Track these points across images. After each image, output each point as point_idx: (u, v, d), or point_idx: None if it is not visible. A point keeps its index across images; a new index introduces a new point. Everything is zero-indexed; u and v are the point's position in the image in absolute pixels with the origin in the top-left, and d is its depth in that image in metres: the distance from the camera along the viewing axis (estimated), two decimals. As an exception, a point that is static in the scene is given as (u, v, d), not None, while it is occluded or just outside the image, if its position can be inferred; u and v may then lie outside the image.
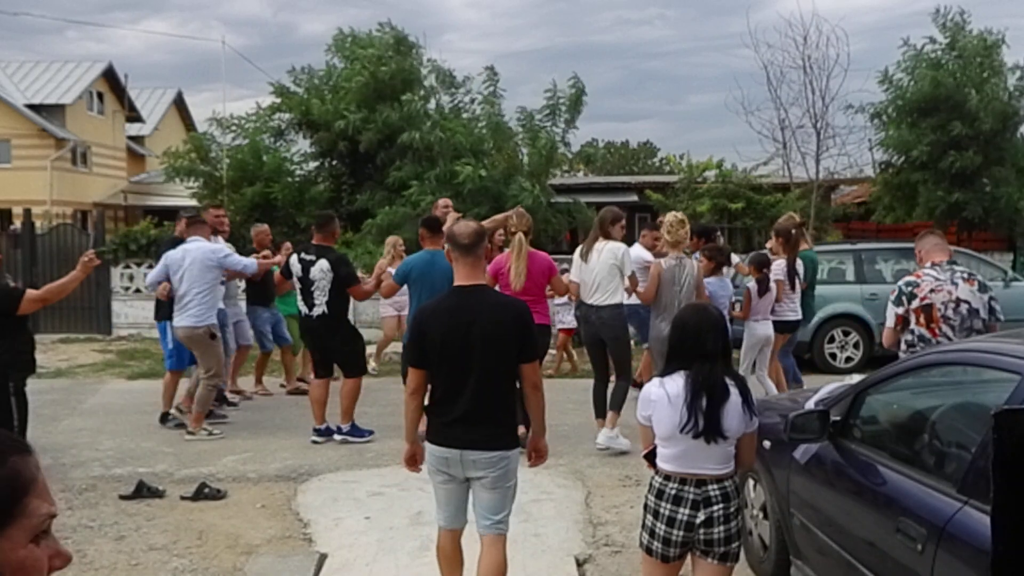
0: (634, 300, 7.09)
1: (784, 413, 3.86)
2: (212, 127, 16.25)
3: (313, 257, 6.86)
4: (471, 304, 3.57)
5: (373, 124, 14.41)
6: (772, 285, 7.71)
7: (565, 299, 9.09)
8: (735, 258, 9.13)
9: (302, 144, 16.27)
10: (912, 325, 5.04)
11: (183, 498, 5.68)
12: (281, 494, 5.83)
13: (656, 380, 3.27)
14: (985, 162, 14.71)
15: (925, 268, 5.18)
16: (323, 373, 7.12)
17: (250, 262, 7.53)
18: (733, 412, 3.15)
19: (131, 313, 14.23)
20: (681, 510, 3.14)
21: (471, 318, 3.52)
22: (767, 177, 16.85)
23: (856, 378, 4.63)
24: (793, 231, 8.03)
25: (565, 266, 8.16)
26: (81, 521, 5.27)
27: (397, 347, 11.39)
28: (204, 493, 5.71)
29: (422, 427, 3.73)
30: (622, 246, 6.77)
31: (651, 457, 3.29)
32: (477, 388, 3.53)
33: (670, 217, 7.03)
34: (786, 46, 14.95)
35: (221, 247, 7.39)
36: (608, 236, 6.73)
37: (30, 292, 5.75)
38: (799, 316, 8.07)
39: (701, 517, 3.12)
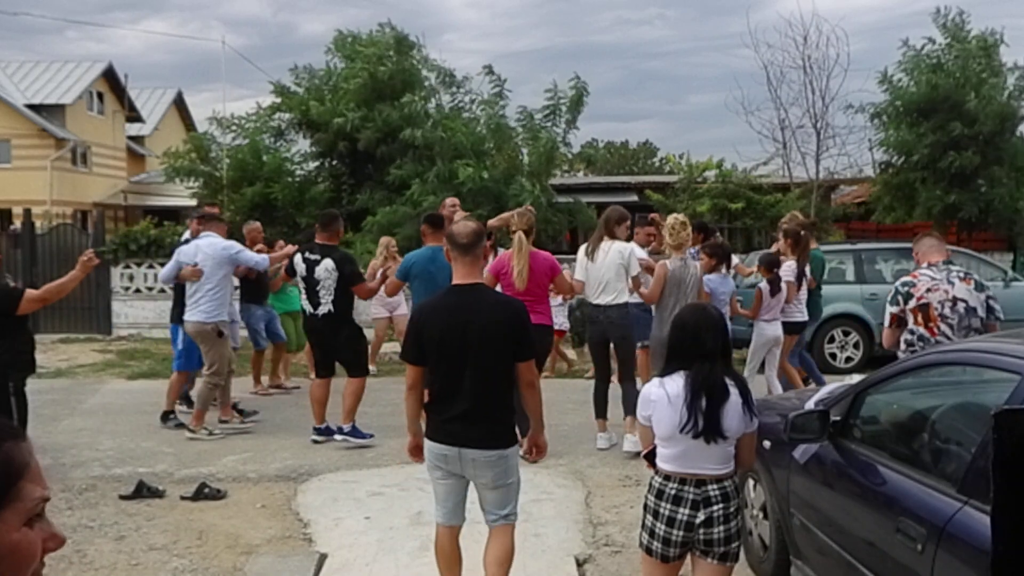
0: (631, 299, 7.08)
1: (784, 413, 3.86)
2: (212, 127, 16.26)
3: (318, 256, 6.82)
4: (468, 303, 3.60)
5: (372, 123, 14.40)
6: (783, 285, 7.68)
7: (559, 300, 9.07)
8: (734, 259, 9.10)
9: (302, 144, 16.29)
10: (911, 325, 5.07)
11: (183, 498, 5.68)
12: (281, 494, 5.83)
13: (656, 380, 3.27)
14: (984, 162, 14.71)
15: (921, 269, 5.24)
16: (324, 373, 7.09)
17: (262, 258, 7.52)
18: (733, 412, 3.15)
19: (131, 313, 14.23)
20: (681, 510, 3.14)
21: (468, 316, 3.56)
22: (767, 177, 16.85)
23: (856, 378, 4.64)
24: (802, 233, 8.00)
25: (565, 266, 8.14)
26: (81, 521, 5.27)
27: (395, 347, 11.41)
28: (204, 493, 5.71)
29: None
30: (628, 246, 6.75)
31: (651, 457, 3.29)
32: (474, 386, 3.56)
33: (671, 220, 7.03)
34: (786, 46, 15.00)
35: (233, 243, 7.37)
36: (613, 236, 6.70)
37: (29, 292, 5.75)
38: (806, 317, 8.06)
39: (701, 517, 3.12)
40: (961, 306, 4.99)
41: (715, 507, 3.13)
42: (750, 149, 32.10)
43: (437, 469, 3.70)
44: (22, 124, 26.94)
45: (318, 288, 6.80)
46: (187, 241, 7.77)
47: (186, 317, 7.23)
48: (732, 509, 3.17)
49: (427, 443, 3.70)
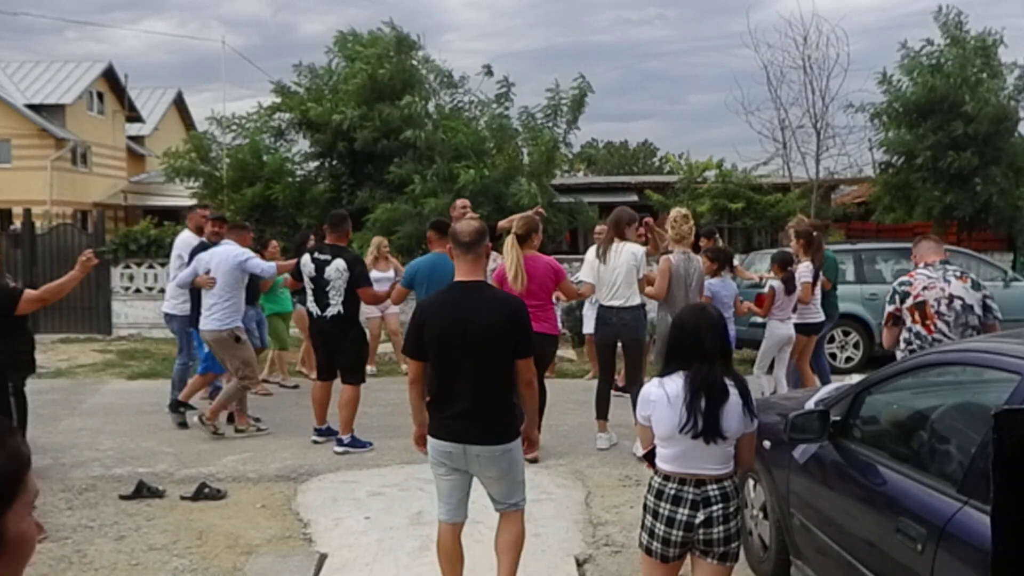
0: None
1: (784, 413, 3.86)
2: (212, 127, 16.25)
3: (328, 256, 6.72)
4: (469, 300, 3.65)
5: (370, 122, 14.39)
6: (799, 285, 7.63)
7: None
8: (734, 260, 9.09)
9: (302, 144, 16.27)
10: (908, 323, 5.12)
11: (183, 498, 5.68)
12: (281, 494, 5.83)
13: (656, 380, 3.27)
14: (982, 162, 14.71)
15: (919, 269, 5.30)
16: (327, 376, 7.02)
17: (269, 266, 7.42)
18: (732, 412, 3.15)
19: (131, 313, 14.24)
20: (680, 510, 3.14)
21: (468, 313, 3.60)
22: (767, 177, 16.86)
23: (856, 378, 4.65)
24: (815, 233, 7.94)
25: (566, 266, 8.14)
26: (81, 521, 5.27)
27: (388, 347, 11.40)
28: (204, 493, 5.71)
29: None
30: (638, 247, 6.72)
31: (650, 457, 3.29)
32: (475, 382, 3.60)
33: (674, 213, 7.05)
34: (786, 46, 14.99)
35: (244, 250, 7.32)
36: (624, 237, 6.66)
37: (28, 292, 5.74)
38: (823, 317, 8.01)
39: (700, 517, 3.12)
40: (957, 303, 5.04)
41: (714, 507, 3.13)
42: (750, 149, 32.17)
43: (440, 466, 3.72)
44: (22, 124, 26.94)
45: (328, 288, 6.70)
46: (205, 246, 7.75)
47: (201, 327, 7.25)
48: (732, 509, 3.16)
49: (430, 440, 3.73)
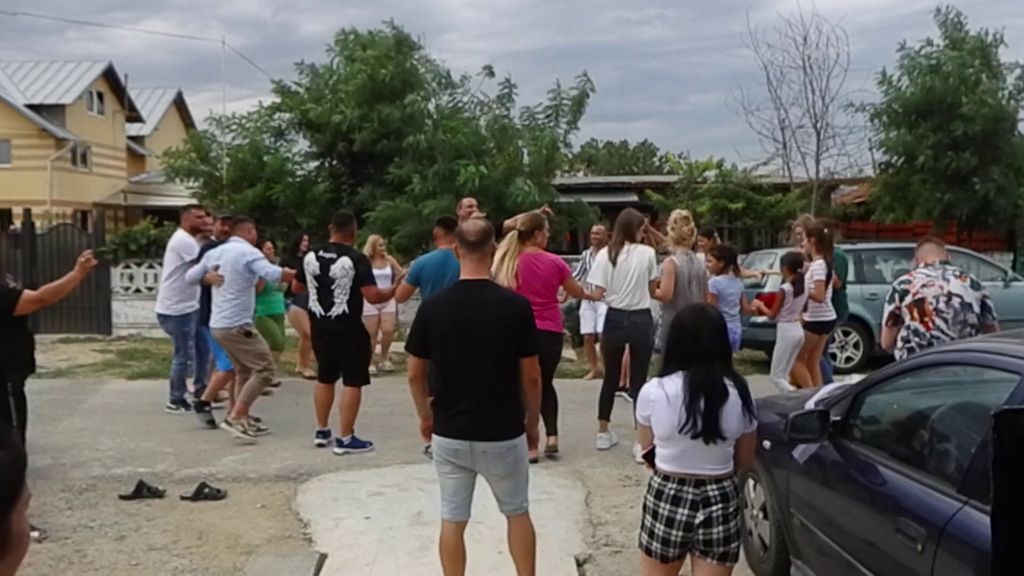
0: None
1: (784, 413, 3.86)
2: (211, 126, 16.24)
3: (334, 255, 6.68)
4: (474, 298, 3.69)
5: (370, 123, 14.39)
6: (811, 285, 7.56)
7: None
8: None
9: (302, 144, 16.26)
10: (907, 321, 5.16)
11: (183, 498, 5.67)
12: (281, 494, 5.83)
13: (655, 380, 3.27)
14: (981, 162, 14.71)
15: (919, 268, 5.36)
16: (330, 379, 6.93)
17: (275, 270, 7.37)
18: (732, 413, 3.15)
19: (131, 313, 14.23)
20: (680, 510, 3.14)
21: (473, 312, 3.64)
22: (767, 177, 16.86)
23: (856, 378, 4.66)
24: (826, 230, 7.87)
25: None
26: (81, 521, 5.27)
27: (395, 347, 11.39)
28: (204, 493, 5.71)
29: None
30: (649, 249, 6.70)
31: (650, 457, 3.29)
32: (480, 380, 3.64)
33: (674, 215, 7.06)
34: (786, 46, 14.99)
35: (253, 250, 7.30)
36: (633, 239, 6.63)
37: (27, 293, 5.73)
38: (835, 315, 7.94)
39: (700, 517, 3.12)
40: (956, 301, 5.07)
41: (714, 507, 3.13)
42: (750, 149, 32.10)
43: (446, 464, 3.75)
44: (22, 124, 26.95)
45: (333, 287, 6.63)
46: (214, 244, 7.75)
47: (212, 325, 7.25)
48: (731, 509, 3.16)
49: (436, 439, 3.76)
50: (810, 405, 4.00)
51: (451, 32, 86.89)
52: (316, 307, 6.76)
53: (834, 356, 10.73)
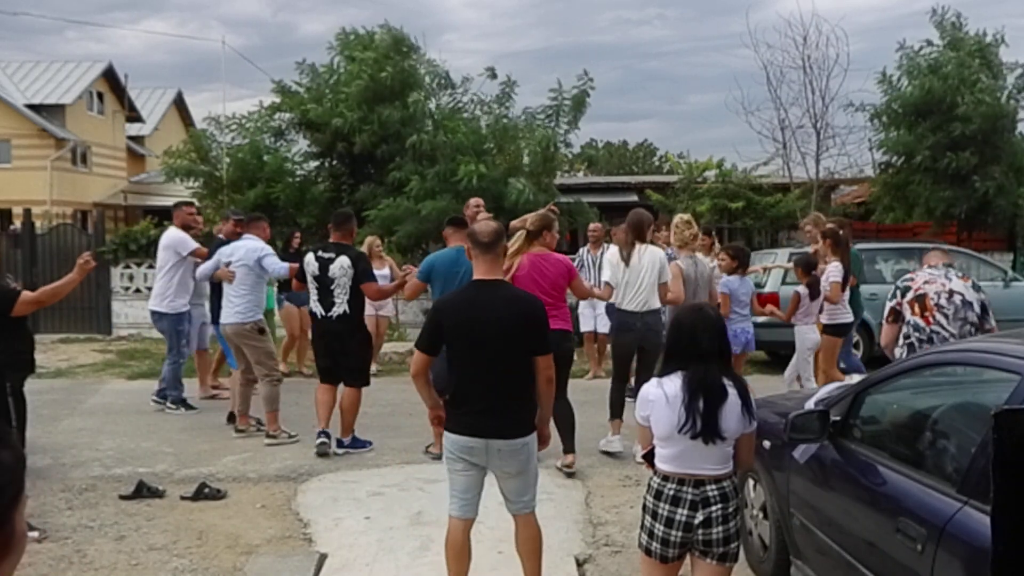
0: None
1: (784, 413, 3.86)
2: (210, 126, 16.23)
3: (333, 254, 6.62)
4: (487, 298, 3.75)
5: (370, 125, 14.39)
6: (827, 287, 7.48)
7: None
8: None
9: (302, 144, 16.26)
10: (908, 317, 5.20)
11: (183, 498, 5.67)
12: (281, 494, 5.83)
13: (654, 380, 3.27)
14: (981, 162, 14.72)
15: (923, 269, 5.44)
16: (331, 380, 6.84)
17: (283, 267, 7.31)
18: (731, 413, 3.15)
19: (131, 313, 14.23)
20: (679, 511, 3.13)
21: (486, 311, 3.70)
22: (767, 177, 16.85)
23: (856, 378, 4.66)
24: (841, 232, 7.79)
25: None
26: (81, 521, 5.27)
27: (395, 347, 11.41)
28: (204, 493, 5.71)
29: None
30: (660, 251, 6.67)
31: (650, 458, 3.29)
32: (494, 378, 3.69)
33: (676, 219, 7.08)
34: (786, 46, 14.99)
35: (264, 246, 7.29)
36: (644, 240, 6.60)
37: (25, 294, 5.72)
38: (852, 316, 7.85)
39: (699, 518, 3.12)
40: (957, 298, 5.14)
41: (713, 507, 3.13)
42: (750, 149, 32.12)
43: (459, 461, 3.78)
44: (22, 124, 26.95)
45: (332, 287, 6.57)
46: (226, 241, 7.76)
47: (222, 321, 7.23)
48: (731, 509, 3.16)
49: (450, 436, 3.79)
50: (810, 405, 4.00)
51: (451, 32, 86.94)
52: (317, 308, 6.69)
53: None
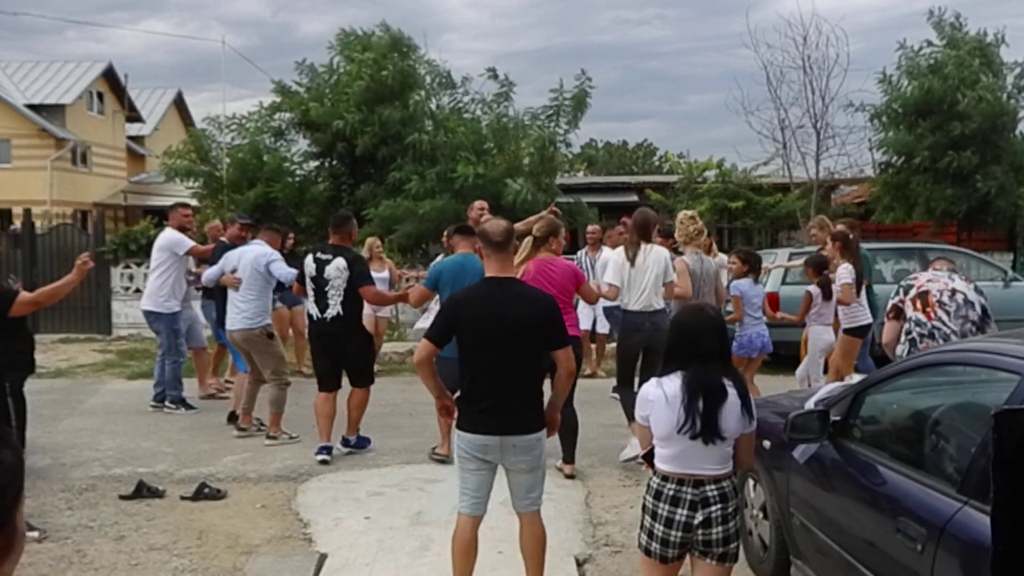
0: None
1: (784, 413, 3.86)
2: (210, 126, 16.23)
3: (330, 256, 6.56)
4: (501, 294, 3.80)
5: (371, 127, 14.39)
6: (838, 290, 7.39)
7: None
8: (725, 258, 8.93)
9: (302, 144, 16.26)
10: (909, 313, 5.24)
11: (183, 498, 5.68)
12: (281, 494, 5.83)
13: (654, 380, 3.27)
14: (982, 161, 14.72)
15: (928, 271, 5.57)
16: (331, 386, 6.72)
17: (290, 271, 7.16)
18: (731, 413, 3.15)
19: (131, 313, 14.20)
20: (679, 511, 3.13)
21: (502, 307, 3.74)
22: (767, 177, 16.85)
23: (856, 378, 4.67)
24: (851, 235, 7.72)
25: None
26: (81, 521, 5.27)
27: (395, 347, 11.41)
28: (204, 493, 5.71)
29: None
30: (665, 251, 6.64)
31: (649, 458, 3.29)
32: (508, 374, 3.73)
33: (681, 215, 7.08)
34: (786, 46, 14.98)
35: (272, 251, 7.24)
36: (650, 240, 6.57)
37: (23, 295, 5.71)
38: (871, 317, 7.72)
39: (699, 518, 3.12)
40: (960, 296, 5.21)
41: (713, 508, 3.13)
42: (750, 149, 32.09)
43: (474, 460, 3.81)
44: (22, 124, 26.95)
45: (327, 289, 6.51)
46: (232, 246, 7.74)
47: (229, 327, 7.18)
48: (730, 510, 3.16)
49: (464, 436, 3.81)
50: (810, 405, 4.00)
51: (451, 32, 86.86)
52: (313, 309, 6.64)
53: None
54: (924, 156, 14.74)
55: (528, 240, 6.14)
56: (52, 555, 4.69)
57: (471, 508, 3.88)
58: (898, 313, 5.34)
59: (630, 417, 6.68)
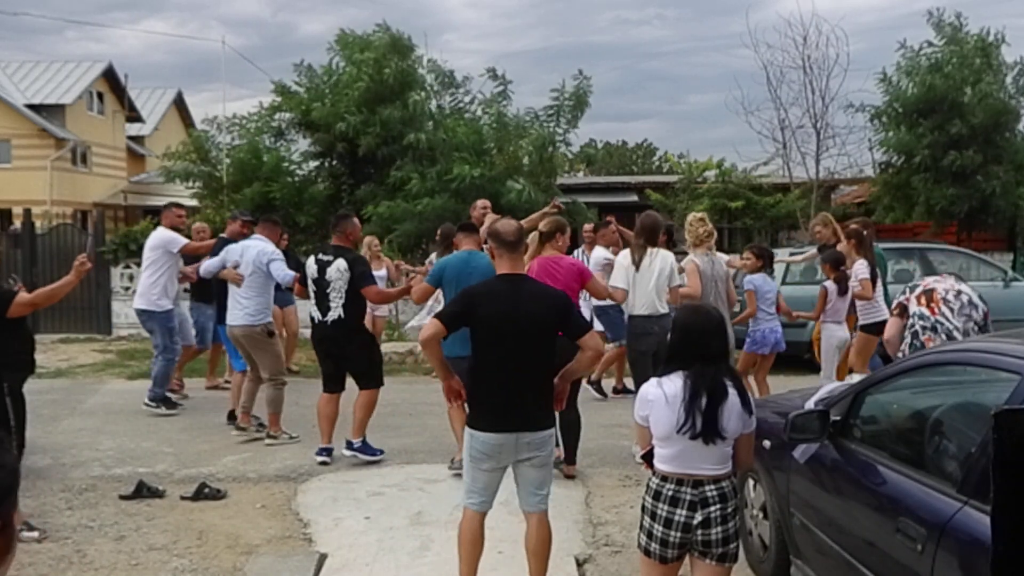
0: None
1: (784, 413, 3.86)
2: (210, 127, 16.23)
3: (331, 257, 6.50)
4: (515, 290, 3.85)
5: (372, 127, 14.39)
6: (855, 285, 7.40)
7: None
8: (726, 256, 8.93)
9: (302, 144, 16.26)
10: (913, 308, 5.29)
11: (183, 498, 5.68)
12: (281, 494, 5.83)
13: (654, 380, 3.27)
14: (983, 161, 14.72)
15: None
16: (334, 387, 6.68)
17: (289, 275, 7.08)
18: (731, 413, 3.15)
19: (131, 313, 14.01)
20: (678, 511, 3.13)
21: (516, 303, 3.79)
22: (767, 177, 16.86)
23: (856, 378, 4.67)
24: (865, 232, 7.72)
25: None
26: (81, 521, 5.27)
27: (395, 347, 11.41)
28: (204, 493, 5.71)
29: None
30: (670, 254, 6.66)
31: (649, 458, 3.29)
32: (521, 371, 3.77)
33: (690, 217, 7.13)
34: (786, 46, 14.98)
35: (274, 250, 7.18)
36: (656, 243, 6.58)
37: (21, 296, 5.70)
38: (887, 315, 7.80)
39: (698, 518, 3.12)
40: (964, 296, 5.28)
41: (712, 508, 3.13)
42: (750, 149, 32.12)
43: (487, 460, 3.83)
44: (22, 124, 26.95)
45: (328, 290, 6.46)
46: (224, 241, 7.74)
47: (230, 322, 7.12)
48: (730, 510, 3.16)
49: (478, 435, 3.82)
50: (810, 405, 4.00)
51: (451, 32, 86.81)
52: (314, 311, 6.58)
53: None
54: (924, 155, 14.74)
55: (534, 235, 6.12)
56: (52, 555, 4.69)
57: (480, 506, 3.92)
58: (903, 311, 5.37)
59: None
